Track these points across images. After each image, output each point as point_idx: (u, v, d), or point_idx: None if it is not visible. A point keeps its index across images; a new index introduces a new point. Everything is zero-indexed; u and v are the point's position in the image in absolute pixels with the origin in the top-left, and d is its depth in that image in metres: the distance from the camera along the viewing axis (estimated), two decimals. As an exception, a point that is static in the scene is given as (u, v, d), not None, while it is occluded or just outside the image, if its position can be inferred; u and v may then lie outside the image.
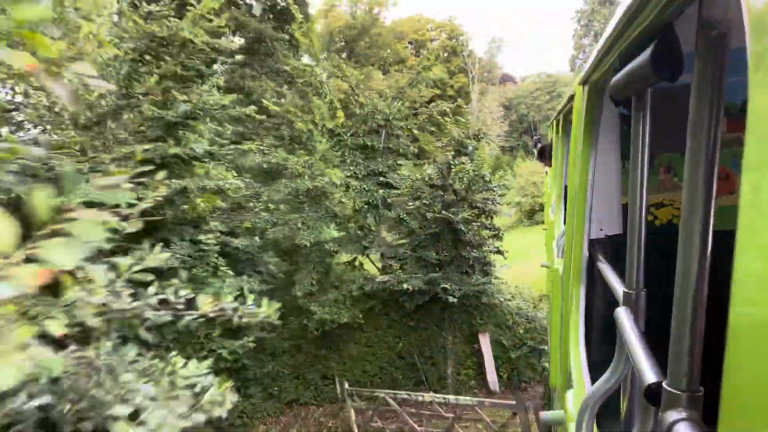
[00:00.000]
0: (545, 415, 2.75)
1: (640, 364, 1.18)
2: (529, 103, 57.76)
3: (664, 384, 1.04)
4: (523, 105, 57.91)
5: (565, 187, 4.53)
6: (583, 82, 2.30)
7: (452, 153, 14.63)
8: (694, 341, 0.99)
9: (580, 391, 2.28)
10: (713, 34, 0.93)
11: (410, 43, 50.50)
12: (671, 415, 0.98)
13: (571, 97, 3.05)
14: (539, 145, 8.12)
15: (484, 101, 52.79)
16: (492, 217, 14.59)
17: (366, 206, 14.93)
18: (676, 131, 1.41)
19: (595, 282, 2.50)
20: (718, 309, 0.90)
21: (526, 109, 57.48)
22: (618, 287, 1.68)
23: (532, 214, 35.94)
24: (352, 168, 15.04)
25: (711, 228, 0.96)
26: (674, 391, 1.00)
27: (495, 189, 14.50)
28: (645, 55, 1.18)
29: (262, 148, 14.25)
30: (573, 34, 60.84)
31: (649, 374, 1.10)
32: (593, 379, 2.07)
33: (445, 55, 51.64)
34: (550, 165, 7.40)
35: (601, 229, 2.55)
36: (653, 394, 1.06)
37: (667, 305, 1.08)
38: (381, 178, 15.34)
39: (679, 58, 1.13)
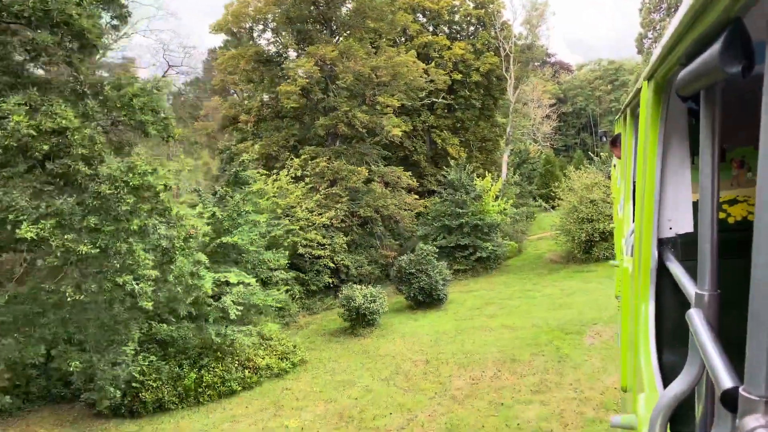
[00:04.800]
0: (616, 418, 2.69)
1: (715, 368, 1.18)
2: (587, 94, 44.27)
3: (741, 389, 1.01)
4: (580, 96, 44.35)
5: (634, 183, 4.37)
6: (649, 78, 2.30)
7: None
8: None
9: (651, 395, 2.24)
10: None
11: (422, 13, 37.64)
12: (749, 422, 0.95)
13: (638, 91, 3.16)
14: (605, 139, 7.62)
15: (526, 90, 38.89)
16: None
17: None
18: (750, 124, 1.33)
19: (665, 282, 2.46)
20: None
21: (584, 102, 43.91)
22: (690, 288, 1.69)
23: (590, 247, 21.94)
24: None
25: None
26: (752, 396, 0.97)
27: None
28: (714, 50, 1.15)
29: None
30: (640, 9, 46.13)
31: (725, 379, 1.10)
32: (665, 383, 2.06)
33: (471, 29, 38.43)
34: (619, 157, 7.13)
35: (671, 228, 2.52)
36: (730, 400, 1.04)
37: (742, 306, 1.06)
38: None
39: (749, 54, 1.09)
